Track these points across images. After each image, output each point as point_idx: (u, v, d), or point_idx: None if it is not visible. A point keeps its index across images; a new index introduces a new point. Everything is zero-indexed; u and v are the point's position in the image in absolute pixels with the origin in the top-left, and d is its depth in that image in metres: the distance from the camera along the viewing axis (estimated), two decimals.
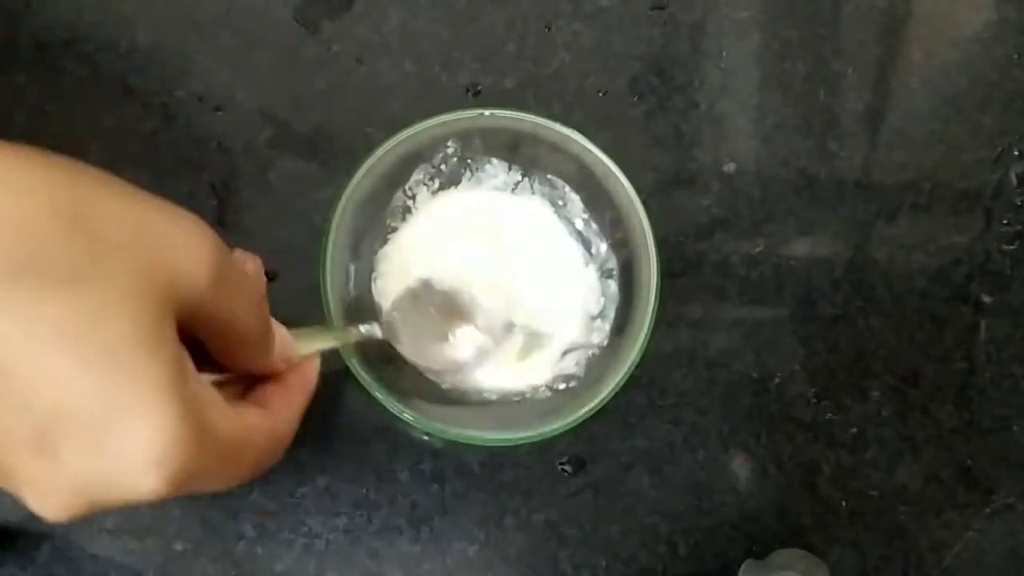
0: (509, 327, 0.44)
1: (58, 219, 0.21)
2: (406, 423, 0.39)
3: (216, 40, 0.49)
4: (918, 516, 0.47)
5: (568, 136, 0.42)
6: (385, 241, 0.45)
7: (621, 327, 0.43)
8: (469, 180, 0.46)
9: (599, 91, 0.50)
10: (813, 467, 0.47)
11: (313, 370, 0.32)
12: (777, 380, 0.48)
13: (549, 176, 0.46)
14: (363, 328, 0.40)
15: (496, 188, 0.47)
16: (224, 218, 0.48)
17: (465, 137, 0.44)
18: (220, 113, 0.49)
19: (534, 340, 0.45)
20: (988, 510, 0.48)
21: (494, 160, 0.46)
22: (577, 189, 0.45)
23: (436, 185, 0.46)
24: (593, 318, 0.45)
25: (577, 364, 0.45)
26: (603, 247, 0.45)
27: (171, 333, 0.23)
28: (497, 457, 0.46)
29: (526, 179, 0.46)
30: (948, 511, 0.47)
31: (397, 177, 0.44)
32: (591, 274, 0.46)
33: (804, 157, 0.50)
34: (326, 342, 0.36)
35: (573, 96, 0.50)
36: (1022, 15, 0.53)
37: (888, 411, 0.48)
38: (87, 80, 0.48)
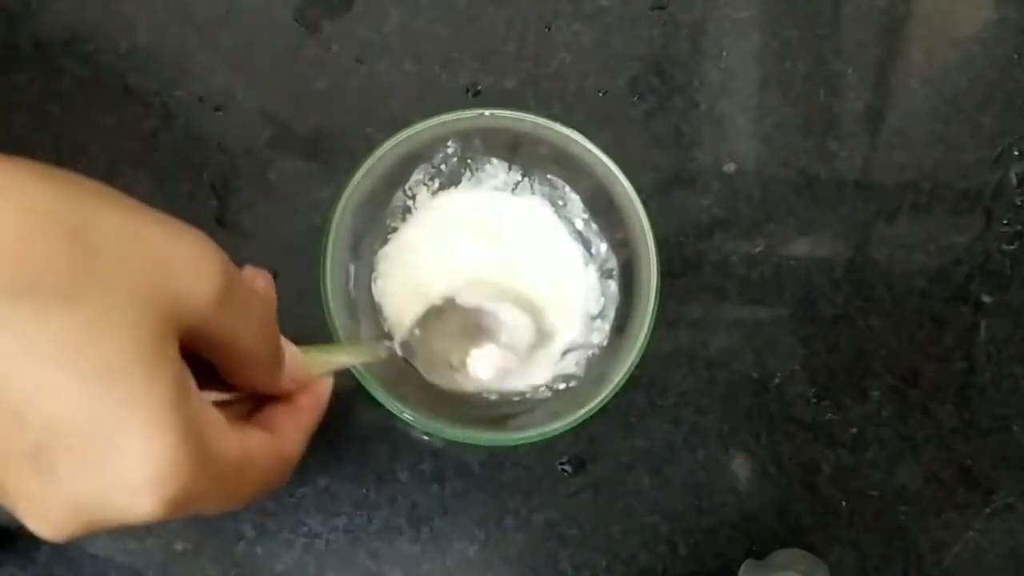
0: (533, 343, 0.44)
1: (58, 234, 0.21)
2: (406, 423, 0.39)
3: (216, 40, 0.49)
4: (918, 516, 0.47)
5: (568, 136, 0.42)
6: (385, 241, 0.45)
7: (621, 327, 0.43)
8: (469, 180, 0.46)
9: (599, 91, 0.50)
10: (813, 467, 0.47)
11: (325, 391, 0.31)
12: (777, 380, 0.48)
13: (549, 176, 0.46)
14: (379, 347, 0.39)
15: (496, 188, 0.47)
16: (224, 218, 0.48)
17: (465, 137, 0.44)
18: (220, 113, 0.49)
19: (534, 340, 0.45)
20: (988, 510, 0.48)
21: (494, 160, 0.46)
22: (577, 189, 0.45)
23: (436, 185, 0.46)
24: (593, 318, 0.45)
25: (577, 364, 0.45)
26: (603, 247, 0.45)
27: (173, 351, 0.22)
28: (497, 457, 0.46)
29: (526, 179, 0.46)
30: (948, 511, 0.47)
31: (397, 177, 0.44)
32: (591, 274, 0.46)
33: (804, 157, 0.50)
34: (340, 361, 0.34)
35: (573, 96, 0.50)
36: (1022, 15, 0.53)
37: (888, 411, 0.48)
38: (87, 80, 0.48)
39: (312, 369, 0.31)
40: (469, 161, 0.45)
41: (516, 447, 0.46)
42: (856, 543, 0.47)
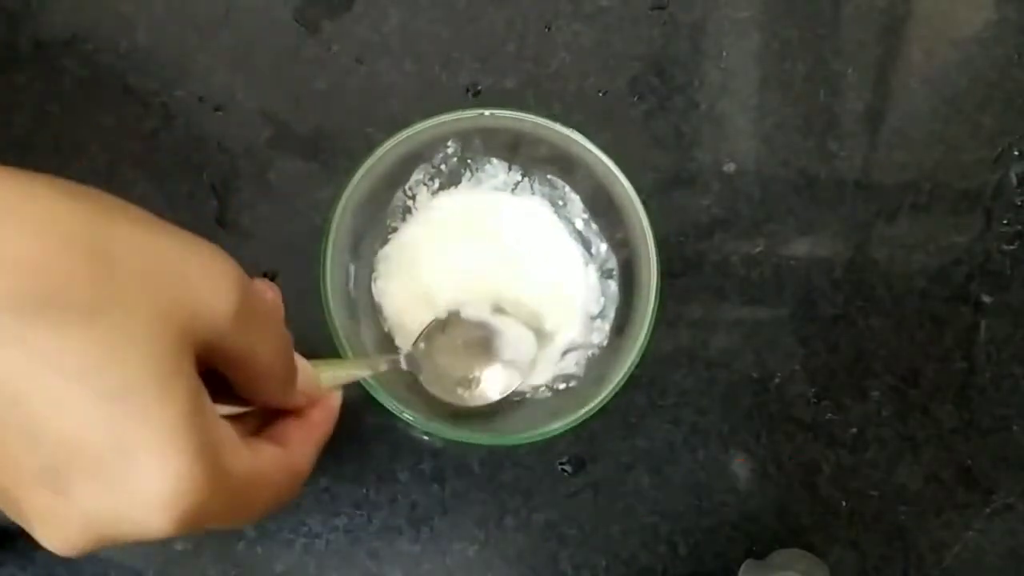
0: (535, 358, 0.44)
1: (76, 251, 0.21)
2: (406, 423, 0.39)
3: (216, 40, 0.49)
4: (918, 516, 0.47)
5: (568, 136, 0.42)
6: (385, 241, 0.45)
7: (621, 327, 0.43)
8: (469, 180, 0.46)
9: (599, 91, 0.50)
10: (813, 467, 0.47)
11: (335, 404, 0.31)
12: (777, 380, 0.48)
13: (549, 176, 0.46)
14: (386, 360, 0.40)
15: (496, 188, 0.47)
16: (224, 218, 0.48)
17: (465, 137, 0.44)
18: (220, 113, 0.49)
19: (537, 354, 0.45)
20: (988, 510, 0.48)
21: (494, 160, 0.46)
22: (577, 189, 0.45)
23: (436, 185, 0.46)
24: (593, 318, 0.45)
25: (577, 364, 0.45)
26: (603, 247, 0.45)
27: (189, 368, 0.22)
28: (497, 457, 0.46)
29: (526, 179, 0.46)
30: (948, 511, 0.47)
31: (397, 177, 0.44)
32: (591, 274, 0.46)
33: (804, 157, 0.50)
34: (349, 375, 0.35)
35: (573, 96, 0.50)
36: (1022, 15, 0.53)
37: (888, 411, 0.48)
38: (87, 80, 0.48)
39: (322, 383, 0.31)
40: (469, 161, 0.45)
41: (516, 447, 0.46)
42: (856, 543, 0.47)
